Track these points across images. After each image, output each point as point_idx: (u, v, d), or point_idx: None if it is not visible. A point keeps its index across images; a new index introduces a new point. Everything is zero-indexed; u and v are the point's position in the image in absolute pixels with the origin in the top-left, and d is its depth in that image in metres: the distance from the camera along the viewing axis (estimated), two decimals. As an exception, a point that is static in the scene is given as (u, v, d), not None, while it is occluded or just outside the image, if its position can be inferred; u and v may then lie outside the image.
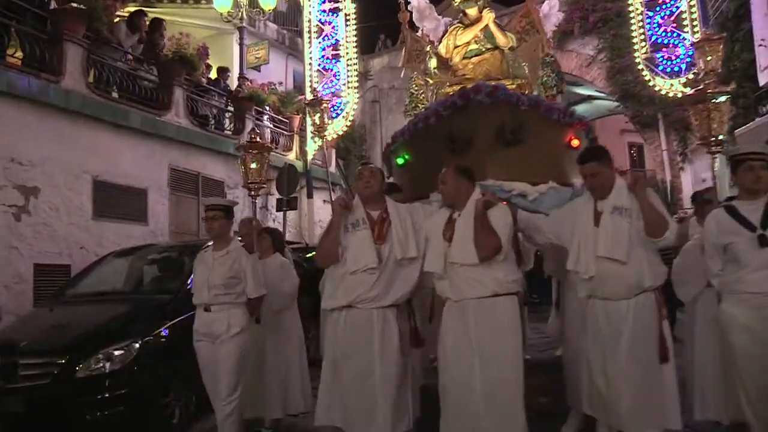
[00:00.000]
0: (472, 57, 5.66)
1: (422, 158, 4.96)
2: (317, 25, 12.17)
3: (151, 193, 9.58)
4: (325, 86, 11.79)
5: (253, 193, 5.00)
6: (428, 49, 5.84)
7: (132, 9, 10.89)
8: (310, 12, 12.19)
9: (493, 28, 5.63)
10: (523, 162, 4.51)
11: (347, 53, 11.94)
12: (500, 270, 3.29)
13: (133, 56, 9.66)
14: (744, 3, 9.38)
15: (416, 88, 5.78)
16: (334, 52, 12.00)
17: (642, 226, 3.20)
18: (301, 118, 13.18)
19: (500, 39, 5.62)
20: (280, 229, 8.54)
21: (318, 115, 6.79)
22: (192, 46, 10.18)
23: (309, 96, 11.36)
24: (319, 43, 12.11)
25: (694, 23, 9.41)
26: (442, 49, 5.84)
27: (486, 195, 3.43)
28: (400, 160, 5.25)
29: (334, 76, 11.93)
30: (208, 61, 11.67)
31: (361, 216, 3.54)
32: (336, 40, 12.02)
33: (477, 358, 3.22)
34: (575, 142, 4.81)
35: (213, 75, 12.08)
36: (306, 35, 12.24)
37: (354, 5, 11.98)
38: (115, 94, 9.08)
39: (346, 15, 11.94)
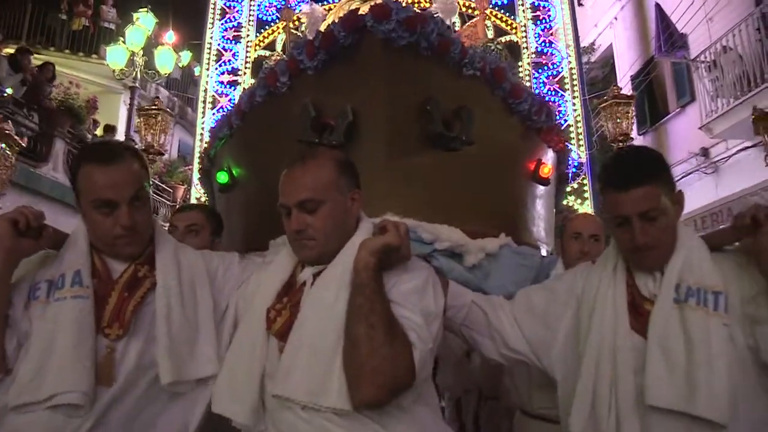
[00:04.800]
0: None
1: (262, 170, 2.58)
2: (213, 95, 11.94)
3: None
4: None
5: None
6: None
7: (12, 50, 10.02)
8: (207, 83, 12.00)
9: None
10: (460, 189, 2.44)
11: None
12: (405, 427, 1.43)
13: (12, 97, 8.60)
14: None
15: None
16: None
17: None
18: (186, 189, 12.70)
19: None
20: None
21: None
22: (81, 97, 9.50)
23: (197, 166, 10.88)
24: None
25: (575, 85, 10.15)
26: None
27: (385, 232, 1.54)
28: (222, 177, 2.89)
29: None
30: (95, 117, 10.93)
31: (74, 265, 1.54)
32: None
33: None
34: (546, 170, 2.82)
35: (100, 132, 11.29)
36: (200, 105, 11.96)
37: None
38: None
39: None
